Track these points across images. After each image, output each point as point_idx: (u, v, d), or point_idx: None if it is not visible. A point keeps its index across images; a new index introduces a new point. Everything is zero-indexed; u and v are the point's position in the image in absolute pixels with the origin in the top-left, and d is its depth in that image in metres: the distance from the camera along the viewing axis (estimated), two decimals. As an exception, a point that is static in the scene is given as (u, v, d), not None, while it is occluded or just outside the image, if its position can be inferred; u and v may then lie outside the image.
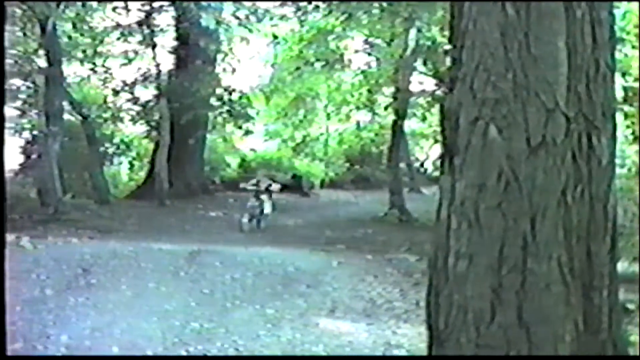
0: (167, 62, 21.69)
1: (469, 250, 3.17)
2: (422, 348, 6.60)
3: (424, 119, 23.94)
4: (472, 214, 3.16)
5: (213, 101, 22.15)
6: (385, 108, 21.43)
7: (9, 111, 21.31)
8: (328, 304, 9.01)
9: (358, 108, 25.09)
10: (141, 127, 23.16)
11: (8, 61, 16.85)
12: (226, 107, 22.18)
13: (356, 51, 22.31)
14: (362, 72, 22.27)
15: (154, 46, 20.71)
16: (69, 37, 20.29)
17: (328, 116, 28.04)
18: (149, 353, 6.80)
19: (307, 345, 7.17)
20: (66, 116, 19.71)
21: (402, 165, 21.69)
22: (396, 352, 6.98)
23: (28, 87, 20.38)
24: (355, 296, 9.46)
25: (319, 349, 7.02)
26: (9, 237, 12.04)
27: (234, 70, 22.47)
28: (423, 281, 9.53)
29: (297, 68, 21.98)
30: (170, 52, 21.79)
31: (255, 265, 10.66)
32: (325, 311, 8.68)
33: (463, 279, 3.19)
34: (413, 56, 18.64)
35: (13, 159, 21.77)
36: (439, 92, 20.30)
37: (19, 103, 21.18)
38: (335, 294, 9.49)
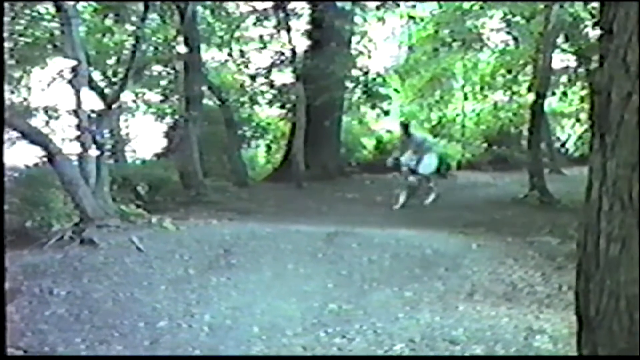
0: (302, 45, 21.79)
1: (622, 233, 2.92)
2: (565, 334, 6.37)
3: (564, 96, 23.14)
4: (625, 194, 2.90)
5: (348, 83, 22.11)
6: (528, 89, 20.80)
7: (152, 96, 22.03)
8: (467, 287, 8.79)
9: (496, 88, 24.52)
10: (278, 110, 23.39)
11: (149, 48, 17.35)
12: (361, 88, 22.10)
13: (493, 30, 21.78)
14: (500, 51, 21.71)
15: (289, 30, 20.83)
16: (207, 23, 20.69)
17: (465, 96, 27.51)
18: (289, 333, 6.81)
19: (447, 328, 6.99)
20: (205, 101, 20.17)
21: (542, 145, 20.99)
22: (538, 338, 6.71)
23: (168, 73, 20.96)
24: (495, 279, 9.20)
25: (458, 333, 6.83)
26: (154, 218, 12.41)
27: (369, 51, 22.35)
28: (566, 265, 9.20)
29: (435, 49, 21.65)
30: (305, 35, 21.86)
31: (393, 247, 10.53)
32: (464, 294, 8.47)
33: (615, 263, 2.95)
34: (554, 33, 17.95)
35: (156, 144, 22.51)
36: (581, 70, 19.55)
37: (160, 89, 21.85)
38: (475, 277, 9.26)
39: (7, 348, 3.78)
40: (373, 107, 22.60)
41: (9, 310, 7.90)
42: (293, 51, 20.95)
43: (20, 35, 14.62)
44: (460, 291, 8.59)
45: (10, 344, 6.72)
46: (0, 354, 3.49)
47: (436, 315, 7.47)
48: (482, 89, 25.76)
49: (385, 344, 6.54)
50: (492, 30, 21.75)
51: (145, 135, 23.03)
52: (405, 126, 16.51)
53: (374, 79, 22.32)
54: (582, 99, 23.14)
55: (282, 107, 22.85)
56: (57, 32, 13.91)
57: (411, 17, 22.51)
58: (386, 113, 23.34)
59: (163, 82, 21.67)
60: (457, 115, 28.23)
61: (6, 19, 14.40)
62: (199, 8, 18.77)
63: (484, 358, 6.24)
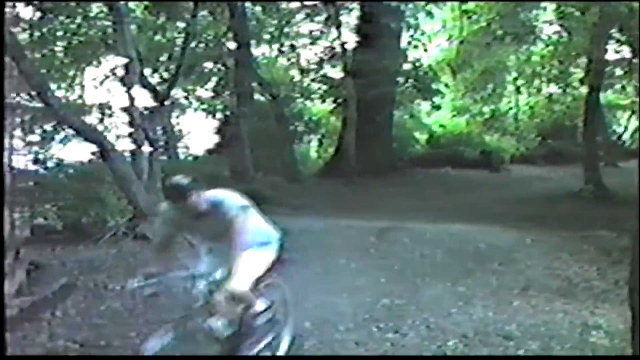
0: (352, 40, 21.72)
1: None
2: (622, 329, 6.23)
3: (621, 89, 22.74)
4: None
5: (399, 77, 21.99)
6: (581, 82, 20.45)
7: (203, 93, 22.18)
8: (521, 282, 8.69)
9: (549, 81, 24.15)
10: (329, 105, 23.36)
11: (199, 45, 17.42)
12: (413, 83, 21.98)
13: (546, 22, 21.45)
14: (554, 43, 21.37)
15: (339, 25, 20.79)
16: (258, 20, 20.75)
17: (518, 89, 27.19)
18: (341, 328, 6.79)
19: (500, 324, 6.91)
20: (256, 96, 20.25)
21: (597, 138, 20.63)
22: (594, 333, 6.60)
23: (219, 70, 21.07)
24: (549, 274, 9.08)
25: (512, 328, 6.75)
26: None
27: (423, 45, 22.22)
28: (622, 259, 8.99)
29: (487, 44, 21.39)
30: (355, 30, 21.79)
31: (446, 242, 10.46)
32: (518, 289, 8.37)
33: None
34: (609, 24, 17.60)
35: (207, 140, 22.66)
36: (636, 61, 19.14)
37: (211, 85, 21.99)
38: (529, 272, 9.15)
39: (6, 348, 3.80)
40: (425, 100, 22.46)
41: (65, 305, 8.03)
42: (343, 46, 20.90)
43: (74, 34, 14.80)
44: (515, 286, 8.49)
45: (66, 337, 6.83)
46: (0, 354, 3.51)
47: (489, 311, 7.40)
48: (535, 81, 25.41)
49: (438, 339, 6.49)
50: (545, 22, 21.40)
51: (196, 132, 23.23)
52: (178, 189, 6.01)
53: (425, 73, 22.17)
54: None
55: (333, 102, 22.81)
56: (109, 31, 14.06)
57: (464, 11, 22.28)
58: (437, 107, 23.18)
59: (214, 79, 21.80)
60: (510, 108, 27.92)
61: (62, 18, 14.63)
62: (249, 4, 18.83)
63: (489, 358, 6.15)
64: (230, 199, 5.71)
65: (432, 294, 8.13)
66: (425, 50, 22.29)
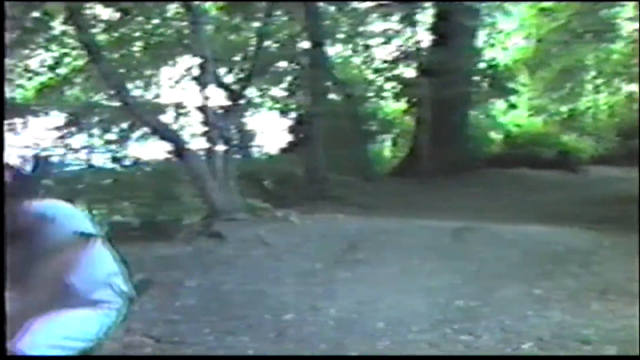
0: (427, 39, 21.55)
1: None
2: None
3: None
4: None
5: (475, 76, 21.73)
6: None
7: (277, 92, 22.29)
8: (600, 285, 8.43)
9: (630, 79, 23.54)
10: (403, 105, 23.22)
11: (274, 45, 17.49)
12: (488, 82, 21.68)
13: (627, 19, 20.92)
14: (634, 40, 20.82)
15: (414, 24, 20.65)
16: (332, 19, 20.73)
17: (597, 88, 26.58)
18: (415, 329, 6.69)
19: (578, 327, 6.71)
20: (330, 95, 20.23)
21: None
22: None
23: (293, 69, 21.12)
24: (629, 278, 8.77)
25: (590, 332, 6.54)
26: (280, 212, 12.52)
27: (497, 43, 21.93)
28: None
29: (565, 42, 20.98)
30: (430, 29, 21.60)
31: (522, 243, 10.26)
32: (596, 293, 8.12)
33: None
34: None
35: (281, 139, 22.74)
36: None
37: (285, 84, 22.06)
38: (608, 275, 8.87)
39: (6, 348, 3.77)
40: (501, 99, 22.13)
41: (142, 300, 8.12)
42: (418, 45, 20.75)
43: (151, 34, 15.04)
44: (593, 289, 8.24)
45: (142, 332, 6.90)
46: (0, 354, 3.47)
47: (567, 314, 7.20)
48: (615, 80, 24.81)
49: (513, 342, 6.34)
50: (625, 20, 20.87)
51: (270, 131, 23.33)
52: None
53: (502, 72, 21.85)
54: None
55: (407, 101, 22.66)
56: (185, 31, 14.23)
57: (542, 9, 21.89)
58: (514, 106, 22.82)
59: (288, 78, 21.86)
60: (589, 108, 27.30)
61: (139, 18, 14.87)
62: (323, 3, 18.83)
63: (489, 358, 5.98)
64: (69, 217, 3.63)
65: (508, 295, 7.96)
66: (504, 48, 21.97)
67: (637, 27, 20.25)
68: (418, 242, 10.24)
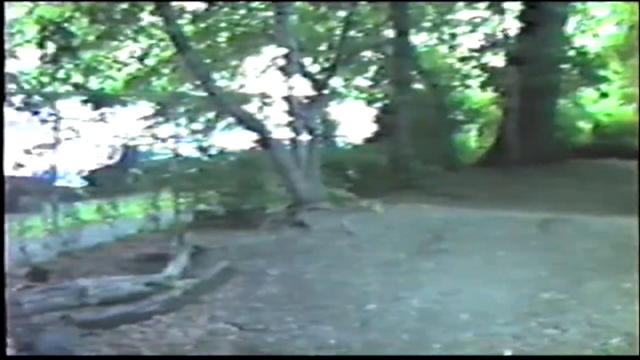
0: (515, 27, 21.14)
1: None
2: None
3: None
4: None
5: (564, 64, 21.21)
6: None
7: (362, 82, 22.24)
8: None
9: None
10: (490, 94, 22.85)
11: (357, 33, 17.42)
12: (578, 70, 21.13)
13: None
14: None
15: (501, 11, 20.29)
16: (417, 8, 20.56)
17: (691, 76, 25.61)
18: (499, 322, 6.57)
19: (665, 324, 6.50)
20: (415, 85, 20.08)
21: None
22: None
23: (378, 58, 21.04)
24: None
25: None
26: (364, 202, 12.50)
27: (587, 30, 21.35)
28: None
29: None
30: (518, 16, 21.18)
31: (612, 236, 9.95)
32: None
33: None
34: None
35: (366, 128, 22.69)
36: None
37: (370, 74, 22.00)
38: None
39: (7, 348, 3.84)
40: (591, 88, 21.54)
41: (225, 288, 8.23)
42: (505, 33, 20.39)
43: (237, 25, 15.18)
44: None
45: (226, 320, 6.98)
46: (1, 353, 3.54)
47: (657, 308, 6.97)
48: None
49: (600, 337, 6.16)
50: None
51: (355, 120, 23.30)
52: None
53: (592, 60, 21.27)
54: None
55: (494, 90, 22.29)
56: (271, 22, 14.32)
57: (635, -7, 21.20)
58: (605, 95, 22.18)
59: (373, 67, 21.79)
60: (686, 97, 26.35)
61: (225, 9, 15.04)
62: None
63: (486, 358, 5.77)
64: None
65: (596, 289, 7.74)
66: (595, 35, 21.37)
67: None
68: (503, 233, 10.06)
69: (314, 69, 17.90)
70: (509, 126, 19.77)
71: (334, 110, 22.70)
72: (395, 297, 7.30)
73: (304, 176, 12.56)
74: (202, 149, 14.48)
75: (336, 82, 20.45)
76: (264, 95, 15.88)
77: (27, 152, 11.60)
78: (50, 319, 7.01)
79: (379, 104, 22.87)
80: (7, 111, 11.70)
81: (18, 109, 11.90)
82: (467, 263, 8.61)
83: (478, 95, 23.78)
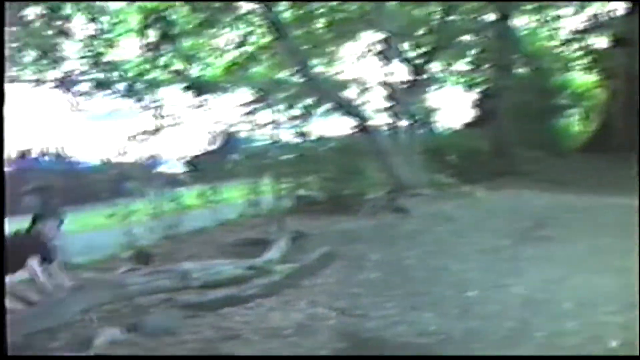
0: (621, 7, 20.43)
1: None
2: None
3: None
4: None
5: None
6: None
7: (462, 66, 21.90)
8: None
9: None
10: (595, 77, 22.20)
11: (456, 17, 17.13)
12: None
13: None
14: None
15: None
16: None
17: None
18: (604, 310, 6.34)
19: None
20: (517, 69, 19.67)
21: None
22: None
23: (479, 42, 20.65)
24: None
25: None
26: (465, 188, 12.33)
27: None
28: None
29: None
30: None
31: None
32: None
33: None
34: None
35: (466, 113, 22.37)
36: None
37: (469, 58, 21.63)
38: None
39: (7, 348, 3.86)
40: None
41: (324, 273, 8.25)
42: (611, 14, 19.73)
43: (334, 10, 15.15)
44: None
45: (325, 305, 6.99)
46: (0, 354, 3.55)
47: None
48: None
49: None
50: None
51: (454, 105, 22.99)
52: None
53: None
54: None
55: (599, 73, 21.63)
56: (369, 7, 14.22)
57: None
58: None
59: (473, 52, 21.41)
60: None
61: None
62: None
63: (486, 358, 5.46)
64: None
65: None
66: None
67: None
68: (609, 220, 9.76)
69: (412, 54, 17.72)
70: (615, 110, 19.16)
71: (433, 95, 22.48)
72: (497, 284, 7.16)
73: (404, 162, 12.48)
74: (301, 135, 14.55)
75: (435, 67, 20.22)
76: (362, 81, 15.81)
77: (131, 138, 11.87)
78: (155, 301, 7.19)
79: (479, 89, 22.51)
80: (111, 99, 12.04)
81: (121, 96, 12.19)
82: (571, 250, 8.38)
83: (582, 78, 23.15)
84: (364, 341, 5.90)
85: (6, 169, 13.95)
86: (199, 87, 13.33)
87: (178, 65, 13.81)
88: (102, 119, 13.02)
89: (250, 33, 15.54)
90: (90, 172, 12.77)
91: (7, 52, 11.51)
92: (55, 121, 14.41)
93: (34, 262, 6.50)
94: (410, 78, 14.24)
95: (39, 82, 11.55)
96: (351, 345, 5.78)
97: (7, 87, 10.75)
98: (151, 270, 7.83)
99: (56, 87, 11.69)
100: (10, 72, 11.44)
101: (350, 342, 5.86)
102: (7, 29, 11.19)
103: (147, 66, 13.20)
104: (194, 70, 14.28)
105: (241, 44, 15.47)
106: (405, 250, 9.01)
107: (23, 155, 13.46)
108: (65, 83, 11.76)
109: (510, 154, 16.23)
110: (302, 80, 13.52)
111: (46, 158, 13.36)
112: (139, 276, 7.29)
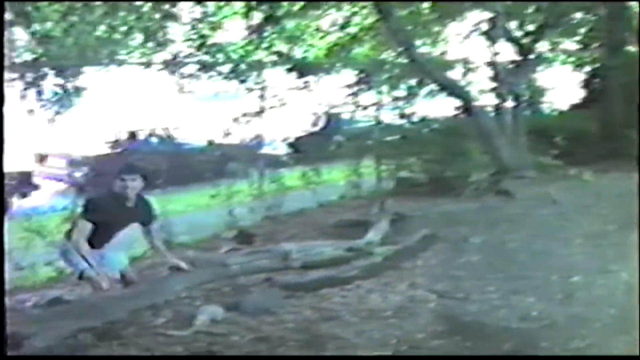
0: None
1: None
2: None
3: None
4: None
5: None
6: None
7: (570, 45, 21.29)
8: None
9: None
10: None
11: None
12: None
13: None
14: None
15: None
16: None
17: None
18: None
19: None
20: (629, 47, 18.97)
21: None
22: None
23: (589, 20, 20.04)
24: None
25: None
26: (571, 170, 12.02)
27: None
28: None
29: None
30: None
31: None
32: None
33: None
34: None
35: (573, 94, 21.76)
36: None
37: (579, 37, 21.02)
38: None
39: (7, 348, 3.86)
40: None
41: (425, 255, 8.19)
42: None
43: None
44: None
45: (426, 287, 6.95)
46: (1, 353, 3.54)
47: None
48: None
49: None
50: None
51: (562, 86, 22.40)
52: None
53: None
54: None
55: None
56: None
57: None
58: None
59: (582, 30, 20.77)
60: None
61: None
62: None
63: (484, 358, 5.17)
64: None
65: None
66: None
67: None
68: None
69: (519, 33, 17.34)
70: None
71: (540, 75, 21.96)
72: (603, 269, 6.96)
73: (509, 143, 12.26)
74: (404, 116, 14.46)
75: (542, 46, 19.74)
76: (467, 61, 15.57)
77: (235, 120, 12.03)
78: (255, 280, 7.30)
79: (588, 68, 21.86)
80: (216, 81, 12.23)
81: (226, 78, 12.36)
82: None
83: None
84: (464, 325, 5.83)
85: (116, 150, 14.61)
86: (302, 68, 13.39)
87: (282, 46, 13.91)
88: (207, 100, 13.23)
89: (354, 14, 15.51)
90: (195, 153, 13.01)
91: (116, 36, 11.89)
92: (162, 103, 14.76)
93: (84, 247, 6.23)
94: (517, 58, 13.93)
95: (146, 65, 11.82)
96: (451, 328, 5.72)
97: (116, 70, 11.08)
98: (252, 251, 7.93)
99: (163, 69, 11.93)
100: (119, 55, 11.77)
101: (450, 325, 5.80)
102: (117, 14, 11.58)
103: (251, 48, 13.33)
104: (298, 52, 14.35)
105: (345, 25, 15.47)
106: (508, 233, 8.86)
107: (132, 136, 13.83)
108: (172, 65, 11.99)
109: (619, 136, 15.65)
110: (406, 61, 13.41)
111: (153, 139, 13.67)
112: (241, 256, 7.39)
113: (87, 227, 6.17)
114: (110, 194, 6.35)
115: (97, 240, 6.28)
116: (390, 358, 4.96)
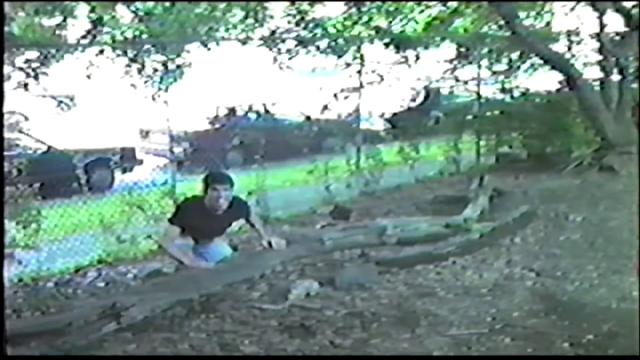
0: None
1: None
2: None
3: None
4: None
5: None
6: None
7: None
8: None
9: None
10: None
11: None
12: None
13: None
14: None
15: None
16: None
17: None
18: None
19: None
20: None
21: None
22: None
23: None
24: None
25: None
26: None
27: None
28: None
29: None
30: None
31: None
32: None
33: None
34: None
35: None
36: None
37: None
38: None
39: (7, 348, 3.82)
40: None
41: (525, 233, 8.03)
42: None
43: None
44: None
45: (523, 265, 6.83)
46: (0, 354, 3.51)
47: None
48: None
49: None
50: None
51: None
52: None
53: None
54: None
55: None
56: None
57: None
58: None
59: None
60: None
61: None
62: None
63: (485, 358, 4.83)
64: None
65: None
66: None
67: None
68: None
69: (628, 3, 16.72)
70: None
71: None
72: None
73: (614, 118, 11.85)
74: (505, 91, 14.17)
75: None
76: (572, 33, 15.10)
77: (333, 95, 12.01)
78: (350, 256, 7.32)
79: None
80: (314, 56, 12.24)
81: (324, 53, 12.35)
82: None
83: None
84: (562, 304, 5.72)
85: (215, 126, 14.84)
86: (401, 43, 13.24)
87: (380, 21, 13.79)
88: (305, 75, 13.26)
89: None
90: (292, 129, 13.08)
91: (217, 13, 12.03)
92: (261, 79, 14.89)
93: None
94: (625, 29, 13.43)
95: (245, 40, 11.91)
96: (547, 307, 5.62)
97: (216, 47, 11.21)
98: (348, 226, 7.95)
99: (262, 45, 12.00)
100: (219, 32, 11.89)
101: (547, 304, 5.70)
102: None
103: (350, 23, 13.27)
104: (396, 26, 14.19)
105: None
106: (610, 211, 8.62)
107: (232, 112, 13.99)
108: (271, 41, 12.05)
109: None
110: (507, 33, 13.11)
111: (252, 115, 13.81)
112: (336, 231, 7.40)
113: (175, 231, 6.27)
114: (201, 203, 6.33)
115: (199, 236, 6.44)
116: (391, 358, 4.90)
